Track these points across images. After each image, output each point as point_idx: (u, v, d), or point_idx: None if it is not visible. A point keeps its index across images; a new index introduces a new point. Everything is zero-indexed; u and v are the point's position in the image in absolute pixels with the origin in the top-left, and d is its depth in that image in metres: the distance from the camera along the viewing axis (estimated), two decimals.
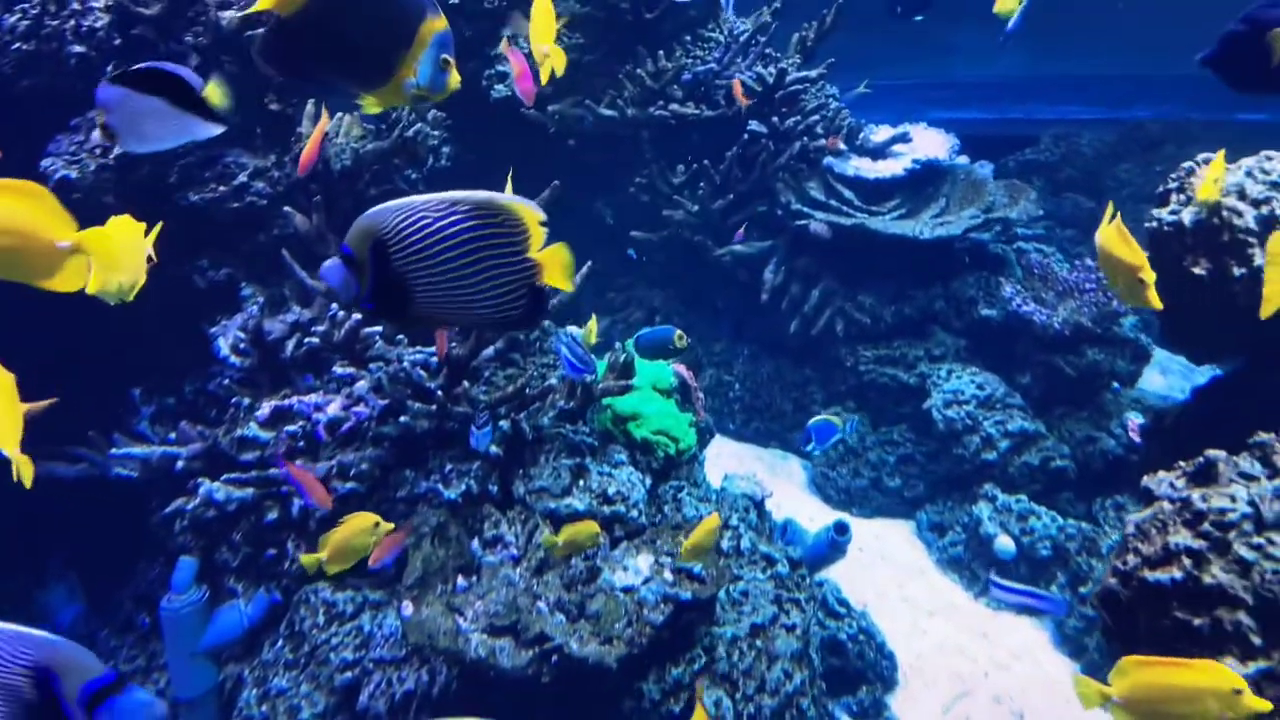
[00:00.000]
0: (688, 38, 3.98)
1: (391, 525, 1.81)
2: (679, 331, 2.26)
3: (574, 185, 4.09)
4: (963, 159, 3.79)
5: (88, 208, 2.23)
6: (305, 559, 1.78)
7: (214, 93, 1.32)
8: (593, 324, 2.31)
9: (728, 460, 3.20)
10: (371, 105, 1.09)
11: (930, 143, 3.70)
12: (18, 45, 2.17)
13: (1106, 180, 4.84)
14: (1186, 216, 1.72)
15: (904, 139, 3.72)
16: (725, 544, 2.13)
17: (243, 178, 2.47)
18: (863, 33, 4.67)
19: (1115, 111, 5.18)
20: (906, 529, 3.17)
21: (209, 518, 2.20)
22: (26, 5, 2.17)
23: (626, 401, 2.29)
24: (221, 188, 2.44)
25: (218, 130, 1.35)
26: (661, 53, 3.82)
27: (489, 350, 2.24)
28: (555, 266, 1.12)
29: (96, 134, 2.24)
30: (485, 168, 3.88)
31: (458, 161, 3.66)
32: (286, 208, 2.39)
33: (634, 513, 2.03)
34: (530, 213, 1.09)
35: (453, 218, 1.06)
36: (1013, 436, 3.03)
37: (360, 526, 1.75)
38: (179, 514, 2.20)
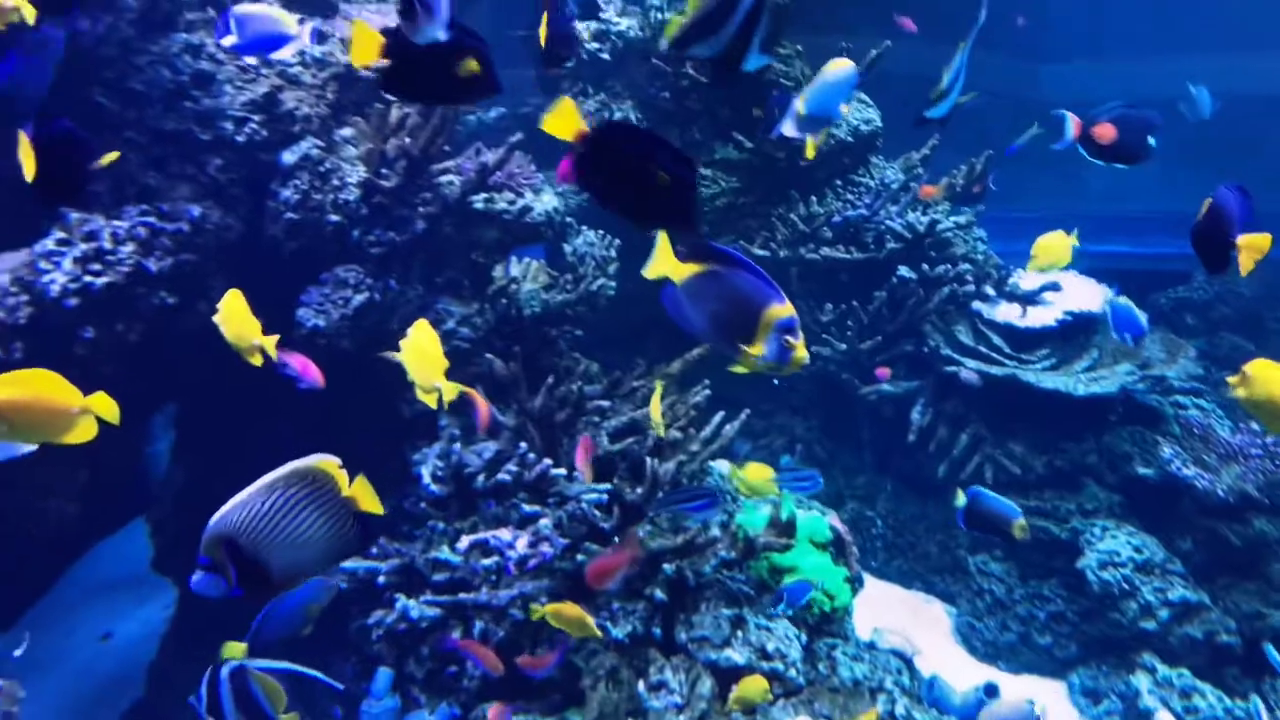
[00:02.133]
0: (839, 182, 4.20)
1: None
2: (1023, 521, 2.20)
3: None
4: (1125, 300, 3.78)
5: (331, 350, 2.62)
6: (534, 609, 2.09)
7: None
8: (759, 470, 2.43)
9: (871, 602, 3.24)
10: (736, 367, 1.33)
11: (1082, 292, 3.73)
12: (289, 215, 2.61)
13: (1269, 322, 4.67)
14: None
15: (1054, 287, 3.76)
16: (880, 708, 2.20)
17: (451, 324, 2.82)
18: (999, 166, 4.73)
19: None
20: (1057, 690, 3.10)
21: (402, 630, 2.47)
22: (298, 181, 2.62)
23: (783, 554, 2.43)
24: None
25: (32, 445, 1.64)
26: (814, 197, 4.06)
27: (660, 495, 2.45)
28: (365, 497, 1.35)
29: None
30: (644, 296, 4.18)
31: (620, 291, 4.00)
32: (488, 354, 2.72)
33: (792, 671, 2.14)
34: (330, 464, 1.32)
35: (274, 496, 1.28)
36: (1173, 606, 2.95)
37: (577, 614, 2.00)
38: (378, 624, 2.47)
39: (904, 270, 3.78)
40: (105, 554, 3.50)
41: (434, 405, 2.00)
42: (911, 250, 3.87)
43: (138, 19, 2.55)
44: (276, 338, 2.03)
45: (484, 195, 2.87)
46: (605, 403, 2.71)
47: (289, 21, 2.19)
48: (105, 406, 1.65)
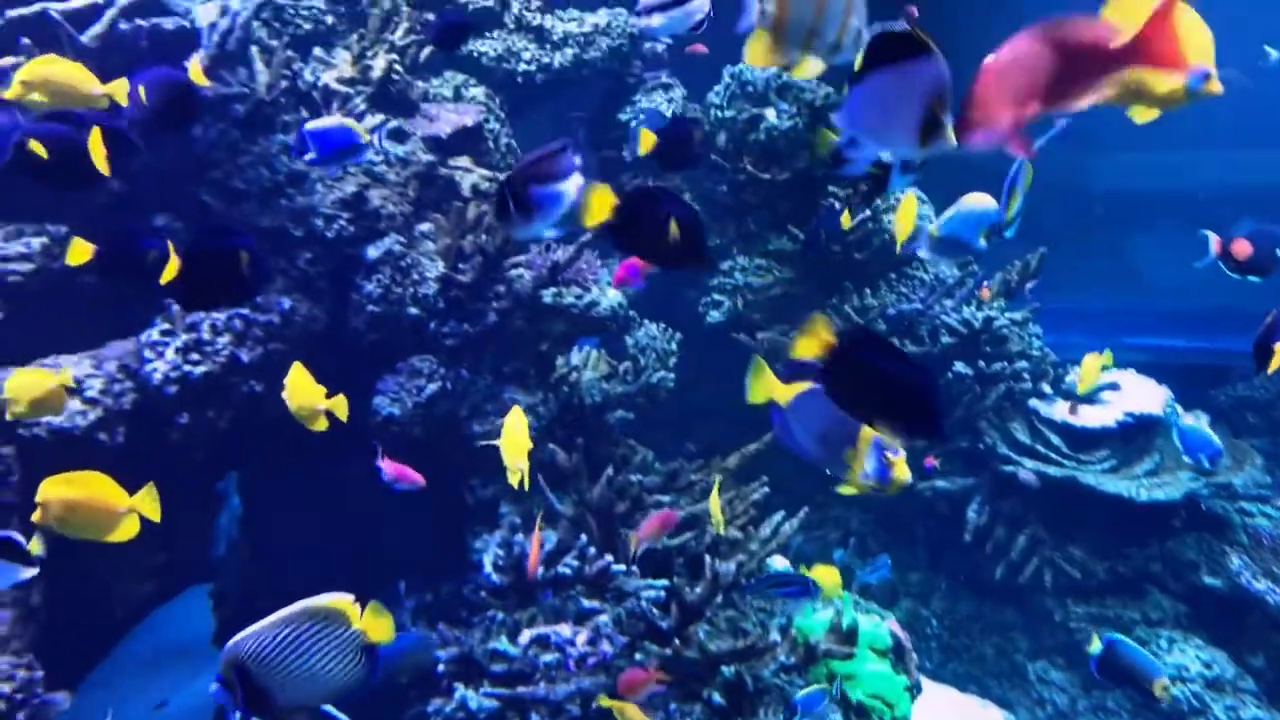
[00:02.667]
0: (892, 275, 4.27)
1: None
2: (1166, 681, 2.17)
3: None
4: (1187, 415, 3.75)
5: (403, 437, 2.72)
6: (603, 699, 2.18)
7: (35, 545, 1.74)
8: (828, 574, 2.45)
9: (925, 704, 3.16)
10: (844, 488, 1.37)
11: (1142, 394, 3.71)
12: (371, 307, 2.74)
13: None
14: None
15: (1113, 387, 3.75)
16: None
17: None
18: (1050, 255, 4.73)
19: None
20: None
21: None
22: (380, 276, 2.76)
23: (844, 661, 2.41)
24: (499, 421, 2.87)
25: (33, 571, 1.73)
26: (868, 290, 4.12)
27: (719, 598, 2.46)
28: (376, 628, 1.43)
29: None
30: (700, 382, 4.26)
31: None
32: (551, 444, 2.79)
33: None
34: (343, 602, 1.41)
35: (285, 631, 1.38)
36: None
37: (638, 716, 2.11)
38: (437, 713, 2.49)
39: (960, 366, 3.79)
40: (163, 622, 3.57)
41: (515, 485, 2.11)
42: (967, 346, 3.89)
43: (243, 122, 2.75)
44: (341, 397, 2.13)
45: (553, 289, 2.98)
46: (665, 497, 2.75)
47: (361, 131, 2.34)
48: (149, 506, 1.74)
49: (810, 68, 1.31)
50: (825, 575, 2.29)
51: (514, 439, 2.18)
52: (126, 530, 1.75)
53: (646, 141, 2.03)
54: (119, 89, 1.92)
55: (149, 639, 3.83)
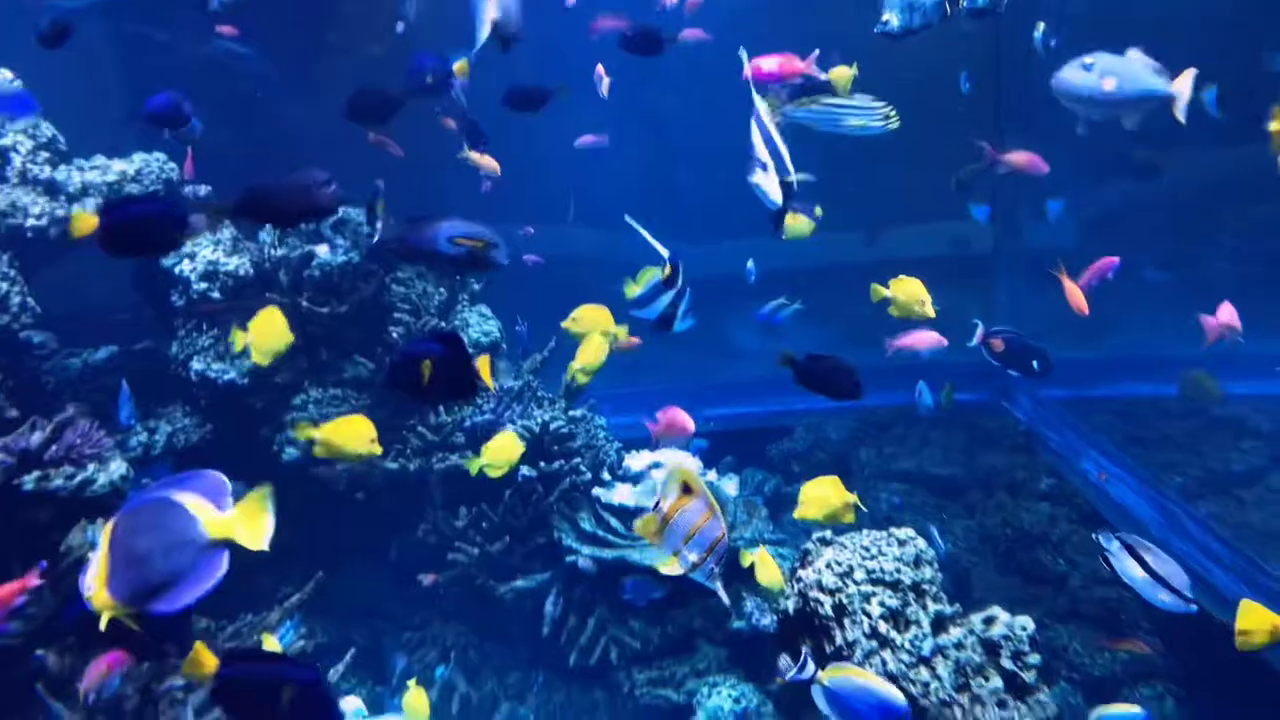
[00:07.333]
0: None
1: None
2: None
3: (367, 533, 4.37)
4: (712, 475, 4.38)
5: None
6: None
7: None
8: None
9: None
10: None
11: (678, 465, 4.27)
12: None
13: (851, 463, 5.62)
14: (790, 605, 2.20)
15: (657, 466, 4.28)
16: None
17: None
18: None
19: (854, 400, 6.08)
20: None
21: None
22: None
23: None
24: None
25: None
26: (443, 407, 4.31)
27: None
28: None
29: None
30: (284, 524, 4.11)
31: None
32: (40, 650, 2.52)
33: None
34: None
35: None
36: None
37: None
38: None
39: (525, 470, 4.09)
40: None
41: None
42: (534, 447, 4.22)
43: None
44: None
45: (36, 474, 2.73)
46: (179, 680, 2.61)
47: None
48: None
49: None
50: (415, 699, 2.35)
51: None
52: None
53: None
54: None
55: None
